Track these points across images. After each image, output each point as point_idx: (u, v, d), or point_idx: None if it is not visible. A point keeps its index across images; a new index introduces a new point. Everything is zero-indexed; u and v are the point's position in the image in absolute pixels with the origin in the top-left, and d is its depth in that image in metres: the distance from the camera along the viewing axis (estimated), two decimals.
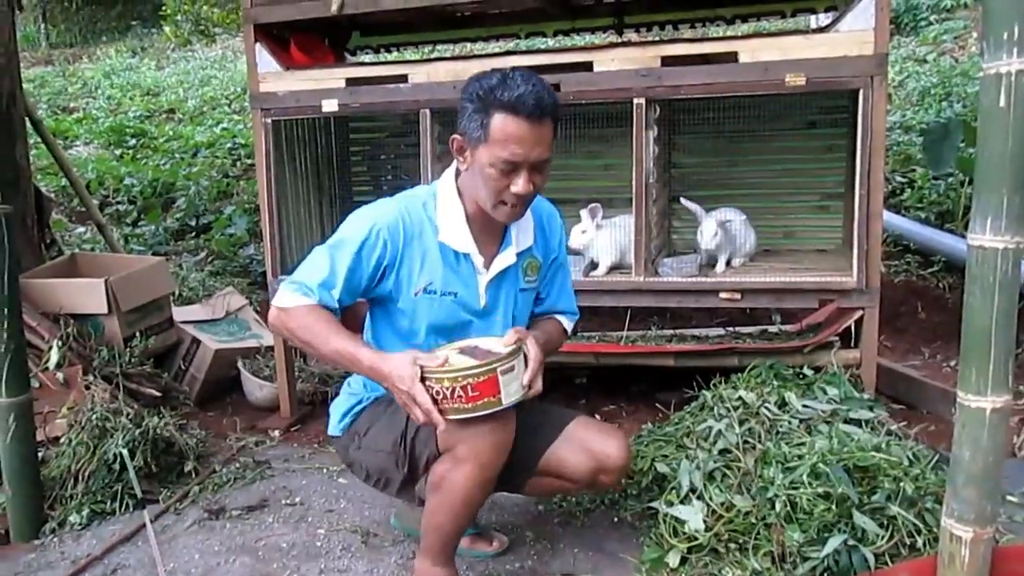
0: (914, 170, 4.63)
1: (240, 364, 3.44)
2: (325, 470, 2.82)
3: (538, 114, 1.70)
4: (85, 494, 2.55)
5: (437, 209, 1.89)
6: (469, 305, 1.93)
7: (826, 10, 3.13)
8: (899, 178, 4.65)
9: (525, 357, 1.76)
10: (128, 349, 3.27)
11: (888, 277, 3.93)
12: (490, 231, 1.92)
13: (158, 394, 3.18)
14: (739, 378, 2.52)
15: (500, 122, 1.70)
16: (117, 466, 2.59)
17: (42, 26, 14.88)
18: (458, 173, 1.90)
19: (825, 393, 2.38)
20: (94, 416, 2.66)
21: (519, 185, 1.74)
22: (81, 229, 5.73)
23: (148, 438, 2.67)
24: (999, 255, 1.69)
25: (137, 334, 3.32)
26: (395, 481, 2.00)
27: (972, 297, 1.73)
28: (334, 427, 2.11)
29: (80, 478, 2.57)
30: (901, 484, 1.97)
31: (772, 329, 3.22)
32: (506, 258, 1.93)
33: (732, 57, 2.52)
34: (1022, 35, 1.61)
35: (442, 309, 1.91)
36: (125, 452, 2.57)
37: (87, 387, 2.89)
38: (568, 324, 2.15)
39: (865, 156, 2.48)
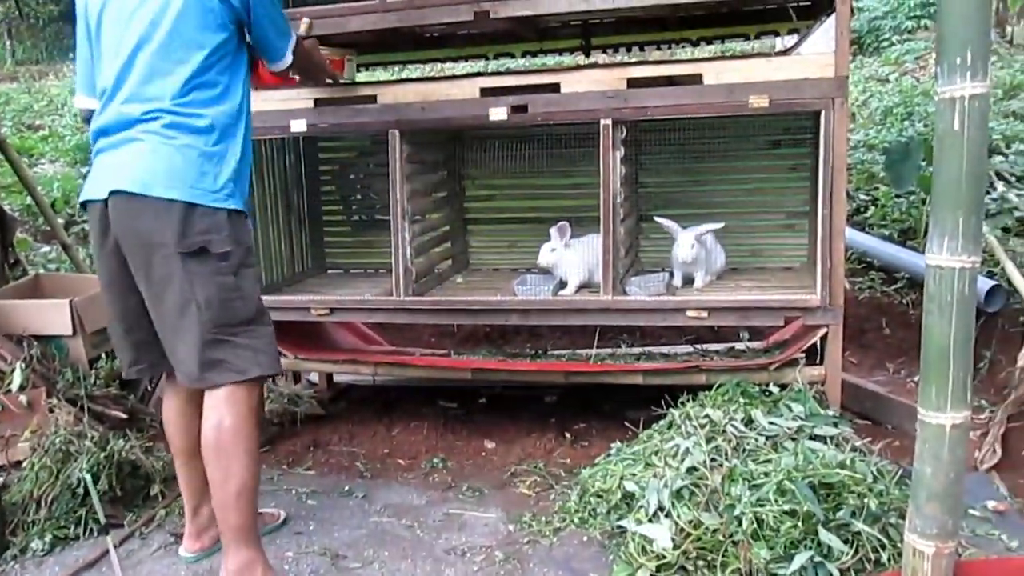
0: (877, 188, 4.71)
1: None
2: (294, 492, 2.80)
3: None
4: (48, 519, 2.51)
5: None
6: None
7: (789, 32, 3.19)
8: (863, 196, 4.72)
9: None
10: (93, 371, 3.24)
11: (853, 294, 3.99)
12: None
13: (124, 416, 3.13)
14: (706, 396, 2.54)
15: None
16: (81, 490, 2.54)
17: (7, 43, 14.73)
18: None
19: (791, 410, 2.40)
20: (57, 439, 2.62)
21: None
22: (46, 249, 5.65)
23: (113, 461, 2.63)
24: (956, 274, 1.72)
25: (103, 355, 3.29)
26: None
27: (930, 316, 1.77)
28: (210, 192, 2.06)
29: (43, 503, 2.52)
30: (865, 500, 2.00)
31: (739, 346, 3.25)
32: None
33: (697, 79, 2.56)
34: (974, 60, 1.65)
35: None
36: (88, 477, 2.53)
37: (51, 410, 2.85)
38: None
39: (827, 176, 2.53)
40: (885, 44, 7.95)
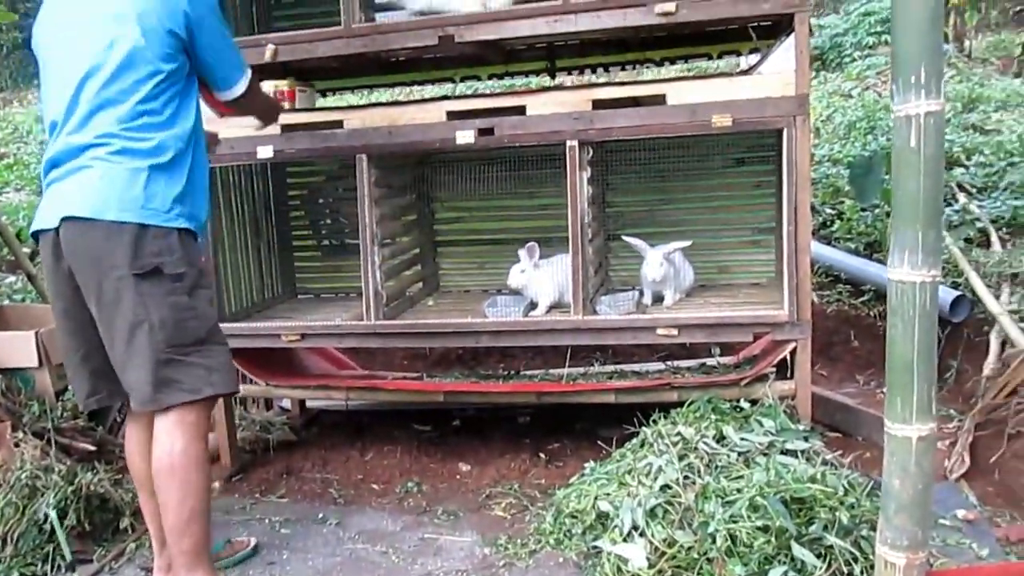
0: (843, 202, 4.77)
1: None
2: (267, 520, 2.77)
3: None
4: (14, 557, 2.46)
5: None
6: None
7: (751, 52, 3.24)
8: (828, 210, 4.79)
9: None
10: (60, 403, 3.18)
11: (821, 307, 4.03)
12: None
13: (92, 448, 3.08)
14: (678, 413, 2.56)
15: None
16: (48, 526, 2.50)
17: None
18: None
19: (762, 425, 2.42)
20: (23, 475, 2.57)
21: None
22: (11, 279, 5.56)
23: (81, 495, 2.59)
24: (917, 288, 1.75)
25: (70, 387, 3.24)
26: None
27: (894, 329, 1.79)
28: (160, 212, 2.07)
29: (8, 540, 2.47)
30: (837, 514, 2.01)
31: (710, 362, 3.28)
32: None
33: (660, 99, 2.59)
34: (928, 78, 1.69)
35: None
36: (54, 514, 2.49)
37: (16, 444, 2.79)
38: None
39: (792, 193, 2.56)
40: (847, 60, 8.09)
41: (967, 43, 10.51)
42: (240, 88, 2.29)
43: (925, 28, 1.65)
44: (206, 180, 2.23)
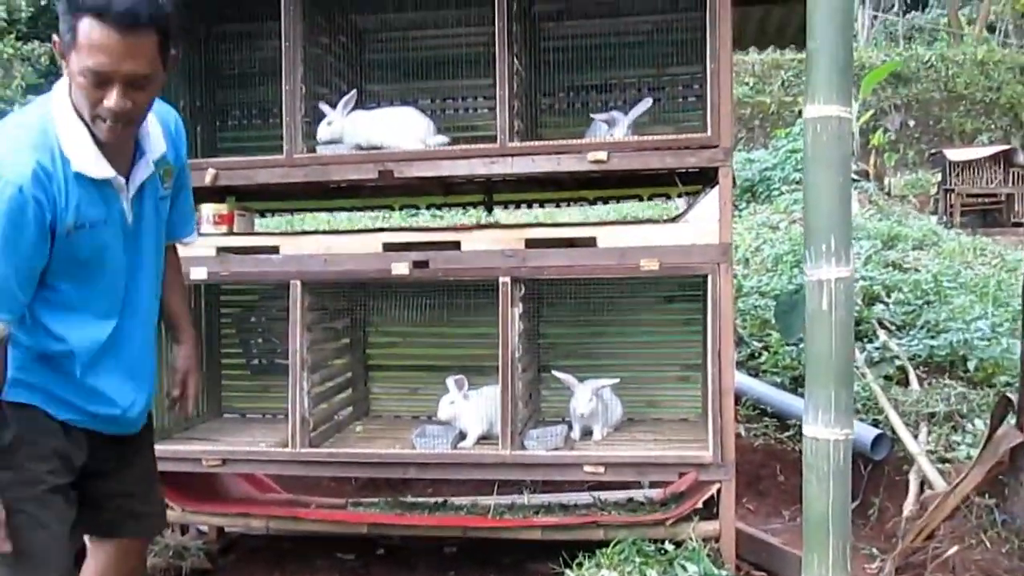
0: (770, 335, 4.91)
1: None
2: None
3: (130, 22, 1.53)
4: None
5: (60, 135, 1.66)
6: (119, 229, 1.77)
7: (679, 195, 3.38)
8: (756, 342, 4.92)
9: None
10: None
11: (748, 441, 4.09)
12: (121, 144, 1.73)
13: None
14: (603, 554, 2.54)
15: (86, 27, 1.53)
16: None
17: None
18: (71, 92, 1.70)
19: (685, 570, 2.41)
20: None
21: (111, 100, 1.58)
22: None
23: None
24: (831, 446, 1.80)
25: None
26: None
27: (809, 485, 1.83)
28: None
29: None
30: None
31: (638, 497, 3.28)
32: (144, 170, 1.78)
33: (591, 242, 2.68)
34: (838, 248, 1.79)
35: (93, 241, 1.72)
36: None
37: None
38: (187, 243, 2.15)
39: (716, 336, 2.64)
40: (775, 193, 8.48)
41: (887, 181, 11.15)
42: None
43: (835, 203, 1.76)
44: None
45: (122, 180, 1.75)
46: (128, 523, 2.01)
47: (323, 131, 2.94)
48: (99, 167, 1.68)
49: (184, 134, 1.97)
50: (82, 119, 1.66)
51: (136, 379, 1.91)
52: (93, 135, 1.67)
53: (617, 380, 3.04)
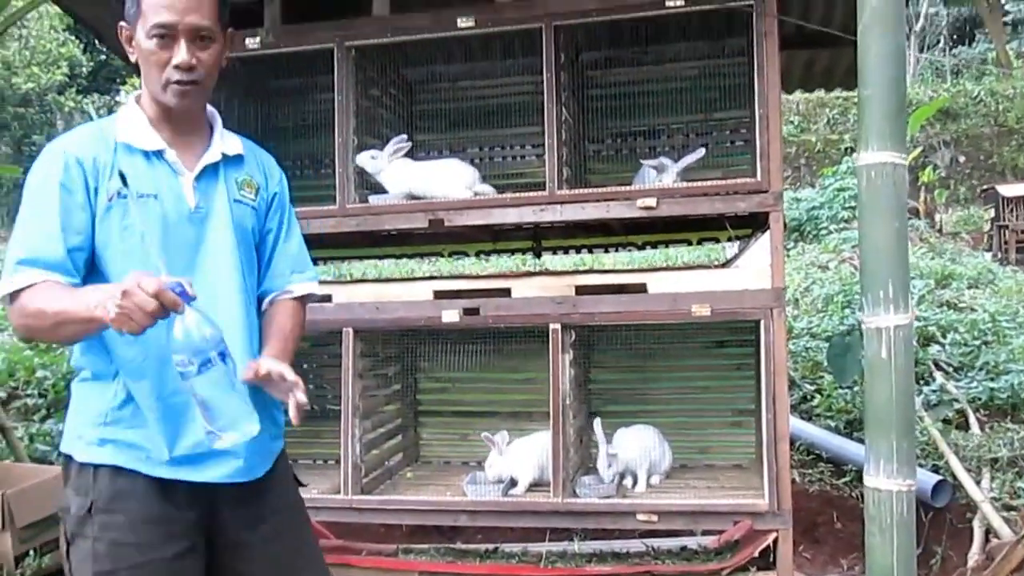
0: (822, 377, 4.83)
1: None
2: None
3: None
4: None
5: (116, 123, 1.68)
6: (177, 207, 1.66)
7: (729, 240, 3.37)
8: (808, 385, 4.84)
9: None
10: (20, 569, 3.07)
11: (803, 487, 4.00)
12: (189, 132, 1.71)
13: None
14: None
15: None
16: None
17: None
18: (138, 99, 1.71)
19: None
20: None
21: (179, 55, 1.59)
22: None
23: None
24: (893, 497, 1.76)
25: (32, 551, 3.13)
26: None
27: (872, 537, 1.79)
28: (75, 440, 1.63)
29: None
30: None
31: (691, 545, 3.21)
32: (211, 155, 1.72)
33: (642, 288, 2.67)
34: (896, 295, 1.76)
35: (144, 214, 1.60)
36: None
37: None
38: (306, 290, 1.90)
39: (769, 382, 2.60)
40: (824, 232, 8.39)
41: (938, 218, 10.95)
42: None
43: (891, 250, 1.74)
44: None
45: (182, 160, 1.68)
46: None
47: (367, 162, 2.97)
48: (147, 138, 1.65)
49: (281, 175, 1.90)
50: (142, 109, 1.67)
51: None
52: (159, 112, 1.66)
53: (658, 434, 3.00)
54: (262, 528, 1.71)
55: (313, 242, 3.44)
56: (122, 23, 1.65)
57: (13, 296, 1.52)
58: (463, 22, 2.79)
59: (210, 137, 1.75)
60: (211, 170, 1.71)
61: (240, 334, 1.67)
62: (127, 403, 1.60)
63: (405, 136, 3.02)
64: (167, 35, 1.59)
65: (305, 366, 3.76)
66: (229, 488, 1.65)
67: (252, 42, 2.95)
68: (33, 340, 1.47)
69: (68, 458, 1.63)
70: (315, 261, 3.78)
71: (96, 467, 1.59)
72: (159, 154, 1.66)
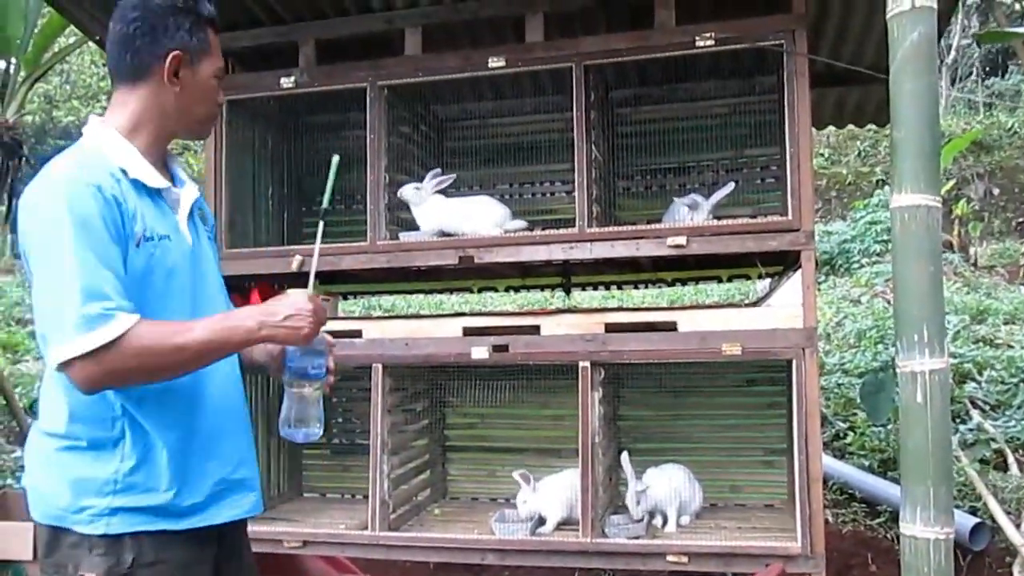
0: (855, 414, 4.76)
1: None
2: None
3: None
4: None
5: (104, 151, 1.62)
6: (181, 250, 1.67)
7: (760, 277, 3.35)
8: (841, 422, 4.77)
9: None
10: None
11: (836, 527, 3.94)
12: (161, 169, 1.71)
13: None
14: None
15: (211, 33, 1.72)
16: None
17: (8, 236, 15.08)
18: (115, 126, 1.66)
19: None
20: None
21: (221, 95, 1.78)
22: (18, 453, 5.53)
23: None
24: (931, 545, 1.73)
25: None
26: None
27: None
28: (59, 504, 1.55)
29: None
30: None
31: None
32: (192, 193, 1.75)
33: (672, 326, 2.66)
34: (931, 338, 1.74)
35: (163, 258, 1.61)
36: None
37: None
38: None
39: (801, 422, 2.57)
40: (855, 265, 8.30)
41: (972, 251, 10.78)
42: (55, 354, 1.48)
43: (926, 293, 1.72)
44: None
45: (176, 194, 1.71)
46: None
47: (411, 194, 3.02)
48: (154, 177, 1.65)
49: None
50: (129, 141, 1.64)
51: (236, 424, 1.76)
52: (150, 143, 1.67)
53: (687, 473, 2.97)
54: (234, 562, 1.79)
55: (343, 277, 3.50)
56: (175, 51, 1.64)
57: (112, 343, 1.44)
58: (494, 62, 2.82)
59: (165, 167, 1.76)
60: (190, 207, 1.76)
61: (231, 362, 1.76)
62: (140, 467, 1.57)
63: (439, 169, 3.06)
64: (221, 79, 1.76)
65: (333, 400, 3.77)
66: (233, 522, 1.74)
67: (287, 81, 3.01)
68: (123, 385, 1.40)
69: (63, 531, 1.54)
70: (344, 296, 3.85)
71: (116, 536, 1.55)
72: (159, 192, 1.68)
